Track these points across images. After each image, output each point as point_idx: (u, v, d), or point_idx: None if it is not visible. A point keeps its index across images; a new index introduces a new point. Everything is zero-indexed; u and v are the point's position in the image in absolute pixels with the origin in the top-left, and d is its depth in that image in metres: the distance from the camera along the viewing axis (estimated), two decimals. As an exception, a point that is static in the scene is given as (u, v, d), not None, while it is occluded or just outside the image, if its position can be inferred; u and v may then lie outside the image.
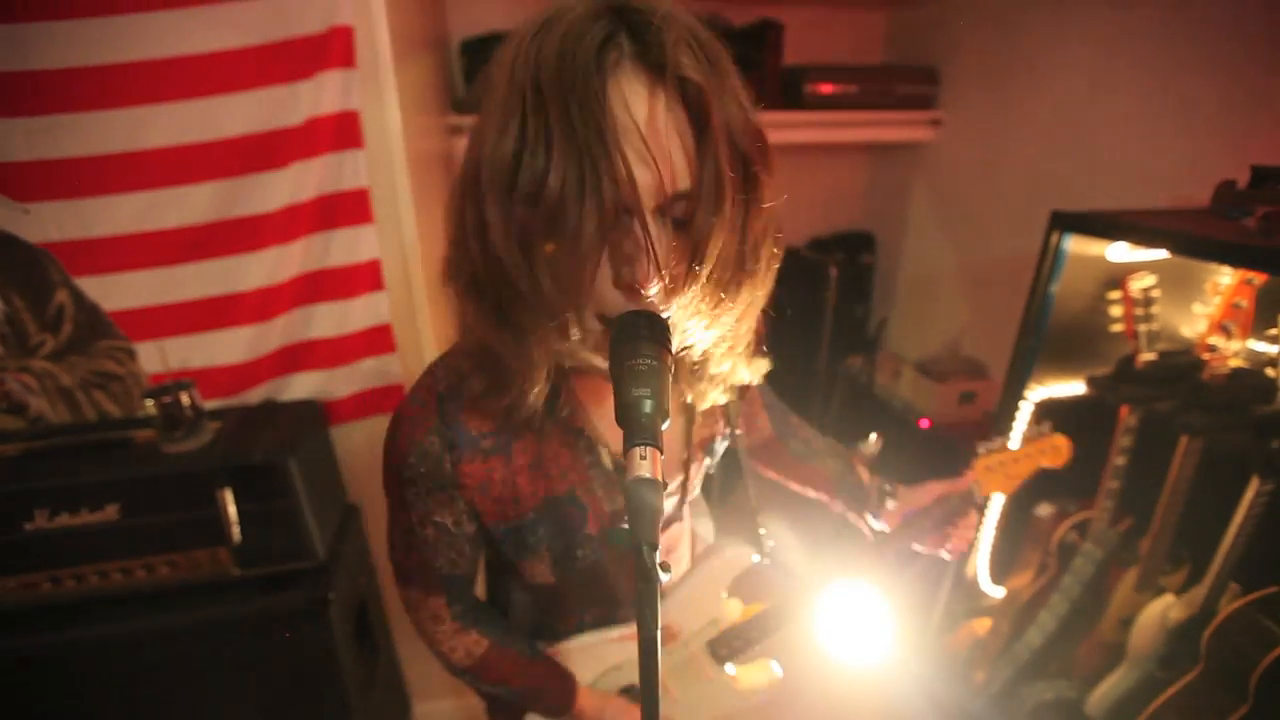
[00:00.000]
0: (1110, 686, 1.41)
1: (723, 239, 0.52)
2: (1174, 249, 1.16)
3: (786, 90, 2.28)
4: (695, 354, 0.64)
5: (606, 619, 0.88)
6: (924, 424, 2.19)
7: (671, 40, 0.46)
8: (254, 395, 1.56)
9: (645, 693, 0.47)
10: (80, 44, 1.25)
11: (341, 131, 1.42)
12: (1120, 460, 1.40)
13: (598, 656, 0.87)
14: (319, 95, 1.38)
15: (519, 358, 0.57)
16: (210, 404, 1.48)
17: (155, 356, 1.46)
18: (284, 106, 1.37)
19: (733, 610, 0.93)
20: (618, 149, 0.45)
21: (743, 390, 0.92)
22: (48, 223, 1.35)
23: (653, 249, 0.48)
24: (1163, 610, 1.34)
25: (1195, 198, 1.34)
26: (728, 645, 0.91)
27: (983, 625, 1.71)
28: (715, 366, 0.68)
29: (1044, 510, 1.59)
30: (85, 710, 1.33)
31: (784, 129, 2.27)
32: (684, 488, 0.84)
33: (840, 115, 2.29)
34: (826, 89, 2.26)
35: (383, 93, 1.43)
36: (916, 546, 0.94)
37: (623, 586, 0.83)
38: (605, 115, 0.44)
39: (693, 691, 0.90)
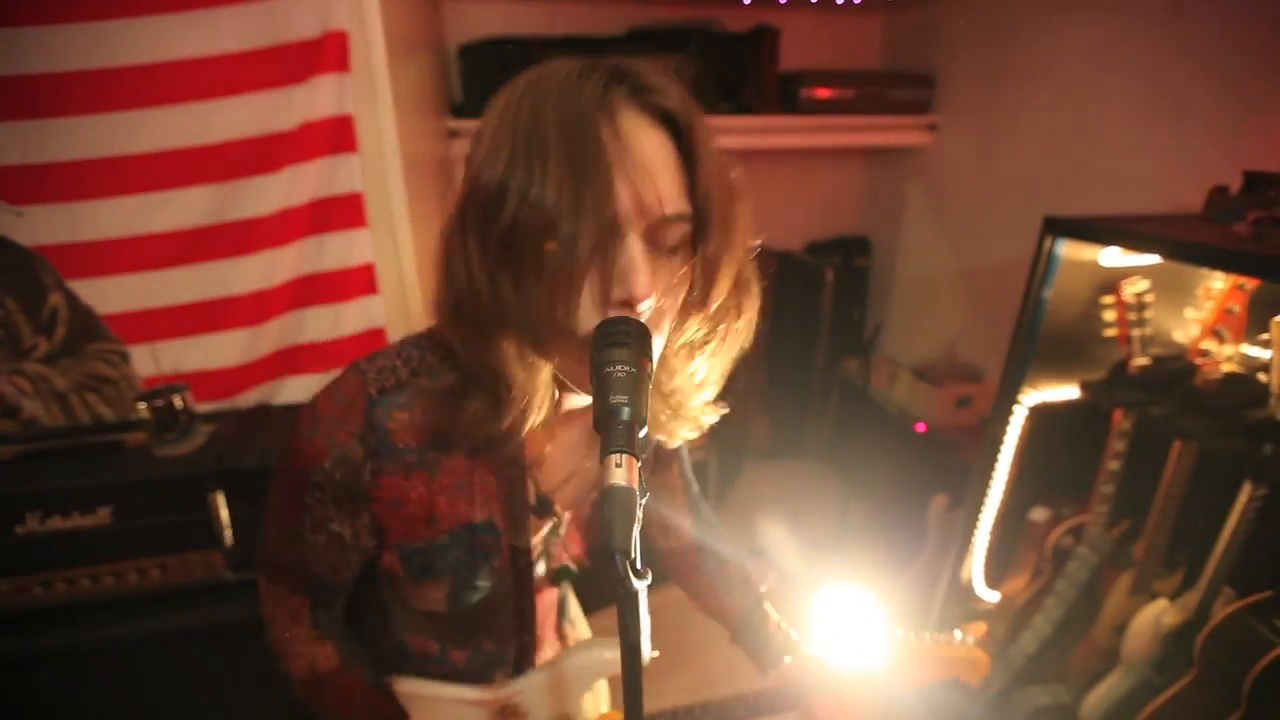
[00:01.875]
0: (1105, 691, 1.41)
1: (737, 256, 0.56)
2: (1166, 254, 1.17)
3: (783, 95, 2.29)
4: (678, 385, 0.63)
5: (472, 672, 0.79)
6: (919, 428, 2.19)
7: (662, 87, 0.52)
8: (247, 399, 1.56)
9: (628, 699, 0.46)
10: (74, 48, 1.26)
11: (336, 136, 1.43)
12: (1114, 464, 1.40)
13: (437, 711, 0.79)
14: (313, 99, 1.38)
15: (527, 381, 0.56)
16: (203, 407, 1.48)
17: (148, 359, 1.46)
18: (278, 110, 1.37)
19: (590, 710, 0.86)
20: (612, 168, 0.48)
21: (660, 455, 0.87)
22: (41, 226, 1.35)
23: (645, 265, 0.50)
24: (1157, 615, 1.34)
25: (1189, 203, 1.35)
26: None
27: (977, 629, 1.71)
28: (691, 402, 0.66)
29: (1039, 514, 1.59)
30: (76, 714, 1.33)
31: (780, 133, 2.28)
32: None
33: (836, 120, 2.30)
34: (823, 94, 2.27)
35: (377, 97, 1.43)
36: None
37: (499, 627, 0.76)
38: (602, 140, 0.48)
39: None
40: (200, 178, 1.38)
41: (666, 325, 0.56)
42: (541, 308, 0.50)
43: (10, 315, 1.39)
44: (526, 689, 0.80)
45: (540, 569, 0.78)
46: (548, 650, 0.88)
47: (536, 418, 0.59)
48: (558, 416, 0.67)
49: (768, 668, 0.89)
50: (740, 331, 0.61)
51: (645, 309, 0.50)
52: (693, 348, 0.61)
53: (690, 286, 0.56)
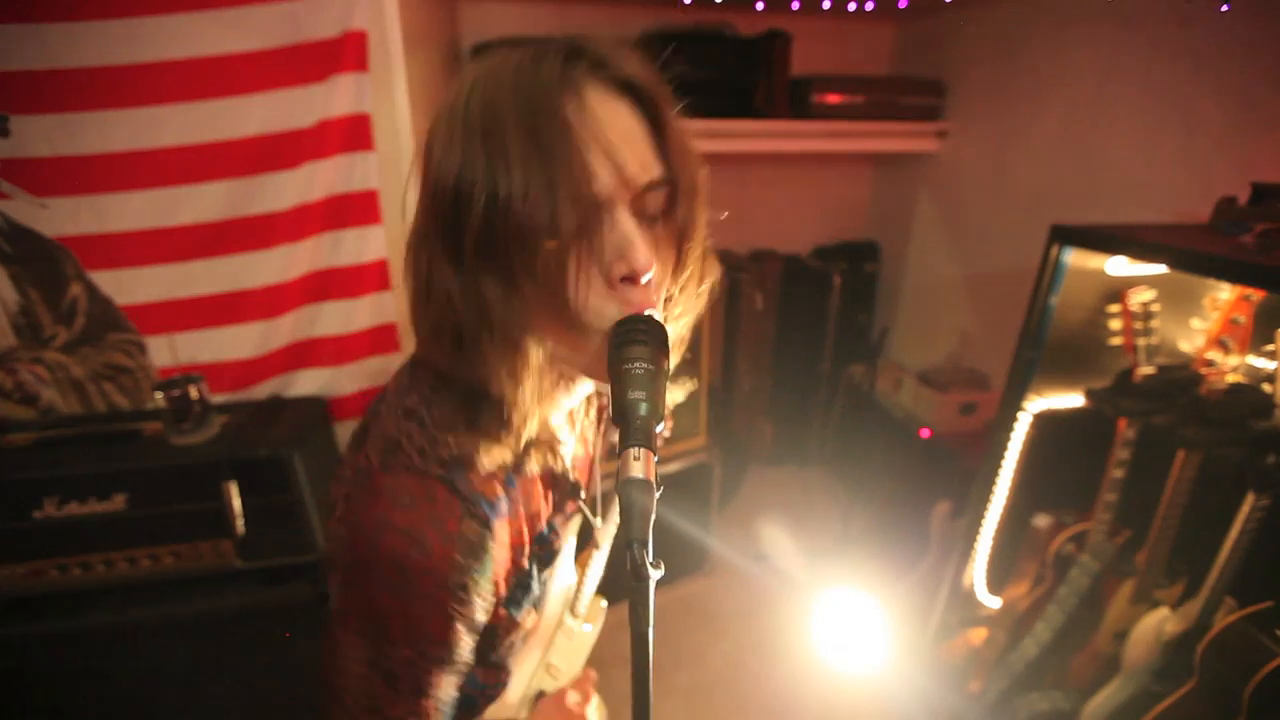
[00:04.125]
0: (1105, 698, 1.41)
1: (704, 221, 0.56)
2: (1172, 264, 1.17)
3: (794, 100, 2.30)
4: None
5: (489, 684, 0.73)
6: (924, 434, 2.19)
7: (621, 58, 0.50)
8: (261, 390, 1.58)
9: (636, 690, 0.46)
10: (100, 44, 1.28)
11: (353, 134, 1.45)
12: (1118, 473, 1.40)
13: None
14: (331, 98, 1.41)
15: (519, 390, 0.53)
16: (218, 398, 1.51)
17: (165, 350, 1.49)
18: (297, 108, 1.40)
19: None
20: (586, 145, 0.47)
21: None
22: (64, 217, 1.38)
23: (640, 236, 0.50)
24: (1158, 623, 1.35)
25: (1197, 213, 1.35)
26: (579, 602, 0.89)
27: (979, 635, 1.71)
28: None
29: (1041, 521, 1.59)
30: (88, 695, 1.35)
31: (791, 138, 2.30)
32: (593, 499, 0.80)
33: (847, 125, 2.31)
34: (833, 99, 2.28)
35: (394, 96, 1.45)
36: None
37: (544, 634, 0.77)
38: (569, 119, 0.46)
39: (565, 651, 0.89)
40: (220, 173, 1.40)
41: (661, 296, 0.56)
42: (538, 303, 0.49)
43: (32, 304, 1.42)
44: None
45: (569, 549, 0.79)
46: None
47: (546, 412, 0.59)
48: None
49: None
50: (700, 298, 0.61)
51: (648, 280, 0.50)
52: (678, 304, 0.61)
53: (691, 235, 0.56)
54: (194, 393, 1.36)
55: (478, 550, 0.55)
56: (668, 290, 0.58)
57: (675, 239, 0.55)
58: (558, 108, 0.46)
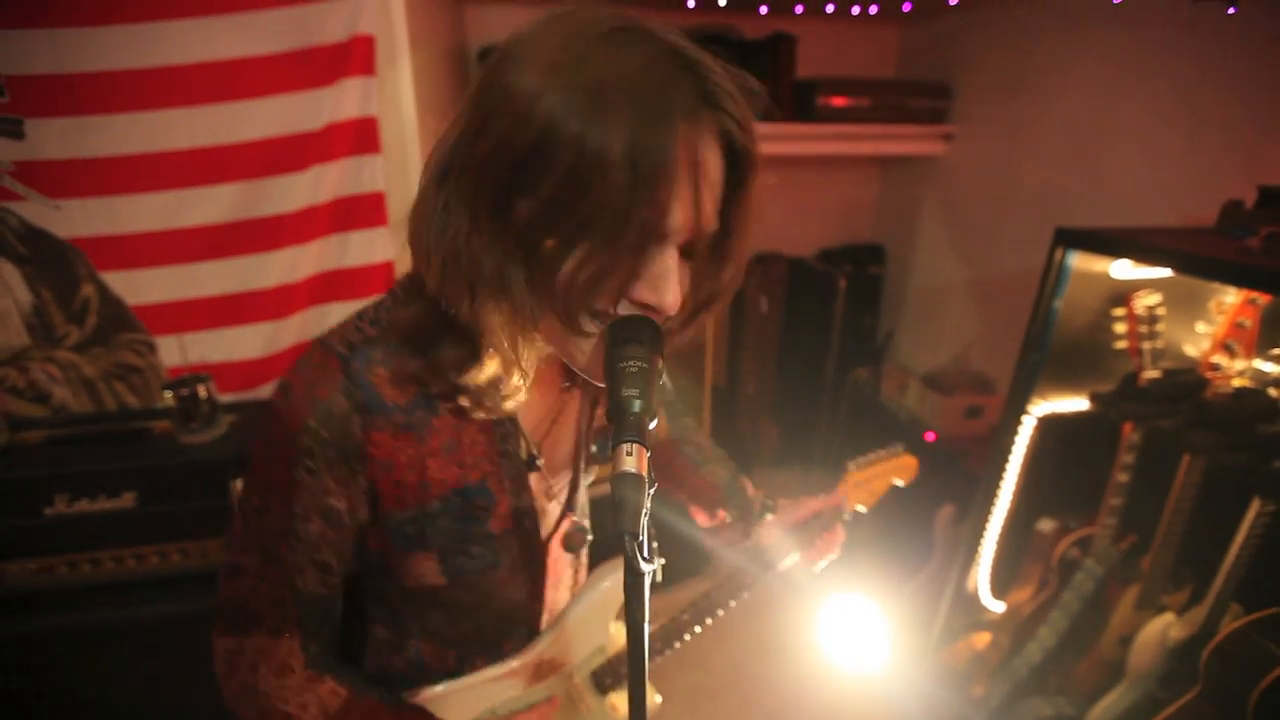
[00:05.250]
0: (1109, 704, 1.40)
1: (735, 281, 0.59)
2: (1178, 267, 1.17)
3: (799, 103, 2.30)
4: None
5: (486, 652, 0.76)
6: (929, 437, 2.19)
7: (734, 108, 0.49)
8: (269, 390, 1.60)
9: (633, 688, 0.46)
10: (113, 49, 1.31)
11: (360, 137, 1.47)
12: (1123, 477, 1.40)
13: (471, 700, 0.76)
14: (339, 101, 1.42)
15: (512, 348, 0.54)
16: (226, 398, 1.52)
17: (175, 350, 1.51)
18: (306, 112, 1.42)
19: (619, 636, 0.87)
20: (678, 178, 0.46)
21: None
22: (77, 219, 1.40)
23: (676, 277, 0.51)
24: (1163, 629, 1.34)
25: (1203, 217, 1.35)
26: (613, 673, 0.84)
27: (982, 639, 1.71)
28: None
29: (1046, 525, 1.58)
30: (95, 691, 1.36)
31: (796, 141, 2.30)
32: (573, 485, 0.79)
33: (852, 128, 2.31)
34: (839, 102, 2.28)
35: (401, 100, 1.47)
36: (791, 562, 0.92)
37: (509, 605, 0.74)
38: (680, 148, 0.45)
39: None
40: (230, 175, 1.42)
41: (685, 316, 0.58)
42: (555, 296, 0.49)
43: (44, 304, 1.44)
44: (556, 639, 0.79)
45: (550, 528, 0.77)
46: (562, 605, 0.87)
47: (526, 380, 0.59)
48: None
49: (753, 526, 0.93)
50: (692, 328, 0.62)
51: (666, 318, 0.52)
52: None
53: (725, 289, 0.58)
54: (203, 392, 1.37)
55: (334, 425, 0.57)
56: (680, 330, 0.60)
57: (711, 289, 0.57)
58: (675, 137, 0.45)
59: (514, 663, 0.77)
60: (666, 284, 0.49)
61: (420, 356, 0.58)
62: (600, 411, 0.77)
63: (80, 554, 1.32)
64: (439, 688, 0.75)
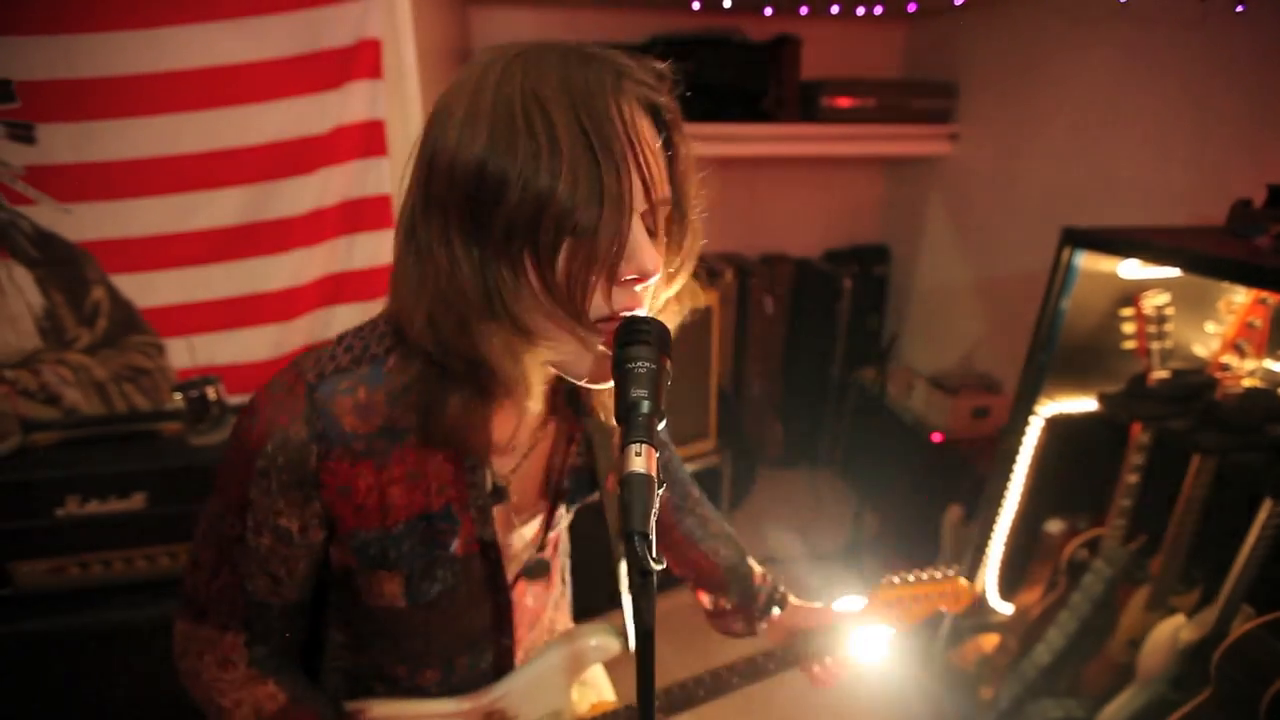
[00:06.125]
0: (1119, 707, 1.39)
1: (695, 246, 0.59)
2: (1187, 267, 1.16)
3: (804, 104, 2.30)
4: None
5: (441, 681, 0.75)
6: (936, 438, 2.18)
7: (641, 72, 0.52)
8: (276, 392, 1.61)
9: (641, 689, 0.46)
10: (123, 54, 1.32)
11: (367, 140, 1.47)
12: (1132, 478, 1.39)
13: None
14: (346, 105, 1.43)
15: (517, 371, 0.54)
16: (234, 399, 1.53)
17: (184, 352, 1.52)
18: (313, 115, 1.43)
19: (580, 703, 0.83)
20: (625, 157, 0.48)
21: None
22: (87, 222, 1.41)
23: (648, 240, 0.52)
24: (1173, 631, 1.33)
25: (1212, 216, 1.34)
26: None
27: (990, 641, 1.70)
28: None
29: (1054, 526, 1.58)
30: (105, 691, 1.37)
31: (801, 142, 2.30)
32: (546, 525, 0.77)
33: (857, 129, 2.31)
34: (844, 102, 2.28)
35: (407, 103, 1.48)
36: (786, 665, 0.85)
37: (472, 633, 0.73)
38: (617, 125, 0.48)
39: None
40: (238, 179, 1.43)
41: (649, 302, 0.57)
42: (556, 297, 0.50)
43: (55, 307, 1.45)
44: (510, 691, 0.76)
45: (516, 562, 0.75)
46: (530, 643, 0.83)
47: (536, 405, 0.60)
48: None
49: (756, 621, 0.87)
50: (675, 317, 0.62)
51: (652, 283, 0.52)
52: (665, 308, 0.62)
53: (688, 251, 0.59)
54: (211, 394, 1.38)
55: (290, 452, 0.58)
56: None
57: (674, 254, 0.58)
58: (609, 111, 0.47)
59: (465, 704, 0.75)
60: (643, 250, 0.50)
61: (429, 413, 0.58)
62: (574, 449, 0.76)
63: (91, 554, 1.33)
64: (384, 707, 0.74)
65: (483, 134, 0.47)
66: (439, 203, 0.50)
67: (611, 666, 0.88)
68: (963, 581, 0.85)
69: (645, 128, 0.51)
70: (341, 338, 0.63)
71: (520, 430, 0.69)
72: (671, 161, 0.54)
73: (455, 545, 0.67)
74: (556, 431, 0.74)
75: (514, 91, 0.47)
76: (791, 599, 0.88)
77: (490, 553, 0.70)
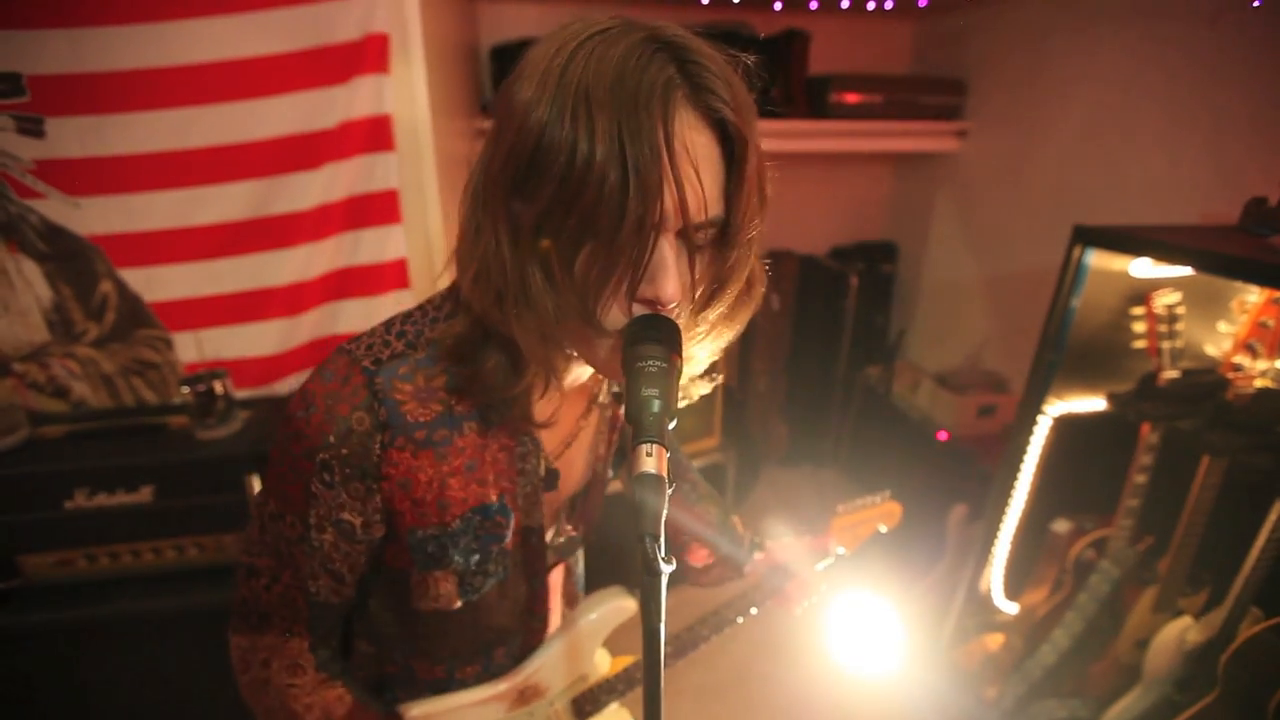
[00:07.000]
0: (1125, 708, 1.39)
1: (750, 266, 0.57)
2: (1198, 266, 1.15)
3: (812, 99, 2.29)
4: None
5: (476, 661, 0.76)
6: (942, 436, 2.17)
7: (719, 86, 0.49)
8: (283, 386, 1.61)
9: (648, 689, 0.46)
10: (131, 48, 1.32)
11: (374, 134, 1.47)
12: (1140, 478, 1.38)
13: None
14: (353, 99, 1.43)
15: (547, 355, 0.55)
16: (241, 394, 1.54)
17: (191, 346, 1.52)
18: (320, 110, 1.42)
19: (601, 664, 0.87)
20: (665, 166, 0.47)
21: None
22: (96, 216, 1.41)
23: (680, 269, 0.51)
24: (1180, 632, 1.32)
25: (1225, 215, 1.33)
26: (592, 700, 0.84)
27: (995, 640, 1.70)
28: (686, 379, 0.66)
29: (1061, 526, 1.57)
30: (113, 684, 1.39)
31: (808, 138, 2.29)
32: (573, 502, 0.79)
33: (865, 125, 2.30)
34: (852, 98, 2.27)
35: (415, 97, 1.47)
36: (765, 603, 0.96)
37: (509, 618, 0.75)
38: (660, 136, 0.46)
39: None
40: (245, 173, 1.43)
41: (684, 317, 0.56)
42: (565, 294, 0.50)
43: (64, 301, 1.46)
44: (542, 665, 0.79)
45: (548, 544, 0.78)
46: (555, 620, 0.86)
47: (558, 387, 0.61)
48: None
49: (743, 564, 0.96)
50: (734, 325, 0.61)
51: (673, 308, 0.51)
52: (717, 327, 0.61)
53: (731, 277, 0.56)
54: (219, 388, 1.39)
55: (354, 442, 0.57)
56: (697, 321, 0.58)
57: (716, 275, 0.55)
58: (654, 127, 0.46)
59: (501, 686, 0.77)
60: (664, 275, 0.49)
61: (465, 367, 0.59)
62: (615, 436, 0.79)
63: (99, 547, 1.33)
64: (424, 706, 0.75)
65: (536, 121, 0.47)
66: (494, 176, 0.51)
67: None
68: (895, 503, 1.02)
69: (699, 143, 0.49)
70: (390, 324, 0.62)
71: (564, 410, 0.70)
72: (730, 177, 0.51)
73: (508, 539, 0.68)
74: (599, 419, 0.76)
75: (572, 82, 0.47)
76: (769, 541, 0.98)
77: (533, 538, 0.71)
